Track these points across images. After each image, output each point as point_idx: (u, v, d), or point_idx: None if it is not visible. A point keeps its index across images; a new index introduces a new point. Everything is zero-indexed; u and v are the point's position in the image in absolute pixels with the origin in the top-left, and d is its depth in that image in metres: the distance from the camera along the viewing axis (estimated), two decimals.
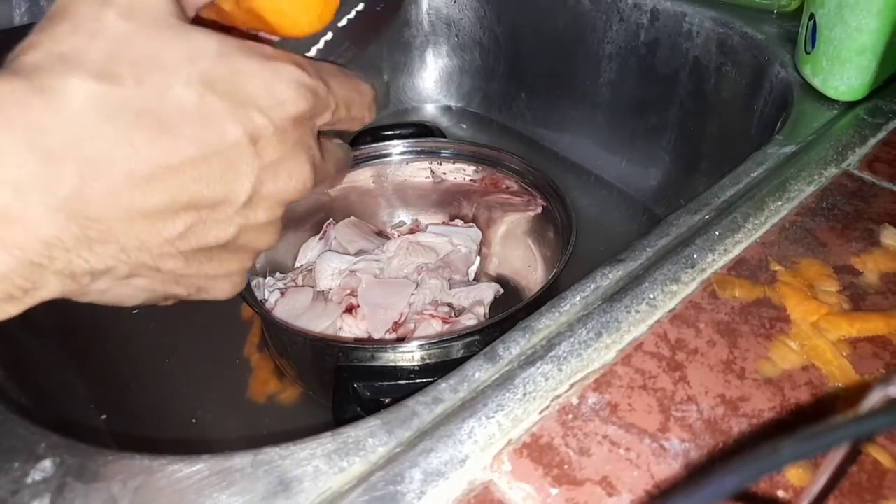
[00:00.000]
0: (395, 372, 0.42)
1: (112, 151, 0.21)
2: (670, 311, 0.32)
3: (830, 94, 0.47)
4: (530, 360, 0.30)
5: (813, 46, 0.48)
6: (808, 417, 0.28)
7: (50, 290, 0.22)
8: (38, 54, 0.21)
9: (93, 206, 0.21)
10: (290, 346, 0.51)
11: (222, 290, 0.28)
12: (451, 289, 0.53)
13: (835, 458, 0.21)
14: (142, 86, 0.22)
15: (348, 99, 0.28)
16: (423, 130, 0.63)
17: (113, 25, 0.22)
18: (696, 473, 0.26)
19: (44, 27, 0.22)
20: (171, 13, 0.23)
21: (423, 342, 0.42)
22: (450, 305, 0.52)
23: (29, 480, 0.26)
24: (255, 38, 0.29)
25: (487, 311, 0.52)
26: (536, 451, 0.26)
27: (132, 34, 0.22)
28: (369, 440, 0.27)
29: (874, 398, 0.20)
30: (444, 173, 0.60)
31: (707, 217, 0.38)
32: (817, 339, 0.31)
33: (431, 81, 0.82)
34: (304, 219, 0.59)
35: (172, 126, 0.22)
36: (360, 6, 0.30)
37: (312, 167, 0.27)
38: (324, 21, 0.28)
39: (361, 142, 0.60)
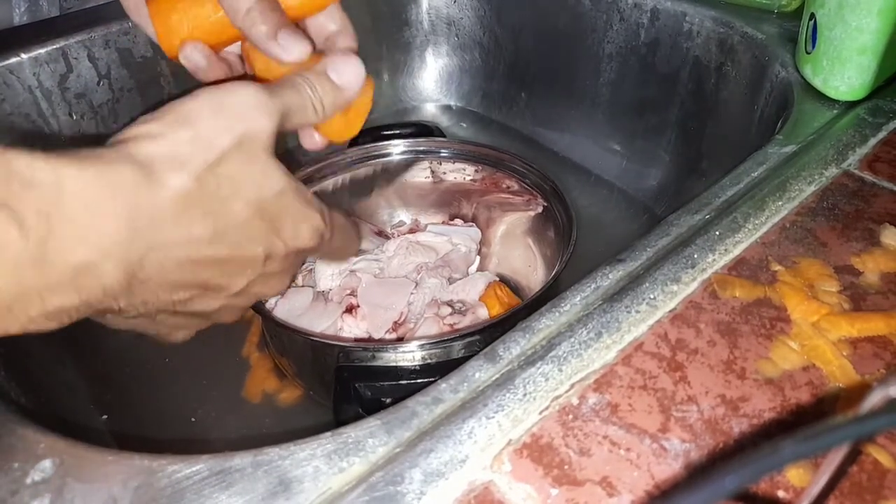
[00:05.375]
0: (396, 372, 0.42)
1: (176, 236, 0.27)
2: (671, 311, 0.32)
3: (831, 93, 0.47)
4: (530, 360, 0.30)
5: (813, 46, 0.48)
6: (808, 417, 0.28)
7: (85, 315, 0.27)
8: (157, 148, 0.26)
9: (144, 272, 0.27)
10: (290, 346, 0.51)
11: (179, 336, 0.35)
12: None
13: (835, 458, 0.21)
14: (216, 195, 0.28)
15: (340, 247, 0.37)
16: (422, 130, 0.62)
17: (223, 145, 0.28)
18: (697, 474, 0.26)
19: (169, 123, 0.27)
20: (267, 149, 0.29)
21: (423, 342, 0.42)
22: (449, 304, 0.52)
23: (28, 480, 0.26)
24: None
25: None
26: (537, 452, 0.26)
27: (231, 156, 0.28)
28: (369, 440, 0.27)
29: (874, 398, 0.20)
30: (444, 173, 0.60)
31: (707, 217, 0.38)
32: (818, 339, 0.31)
33: (431, 81, 0.82)
34: None
35: (222, 231, 0.28)
36: None
37: (291, 281, 0.36)
38: (355, 132, 0.37)
39: (361, 141, 0.60)
